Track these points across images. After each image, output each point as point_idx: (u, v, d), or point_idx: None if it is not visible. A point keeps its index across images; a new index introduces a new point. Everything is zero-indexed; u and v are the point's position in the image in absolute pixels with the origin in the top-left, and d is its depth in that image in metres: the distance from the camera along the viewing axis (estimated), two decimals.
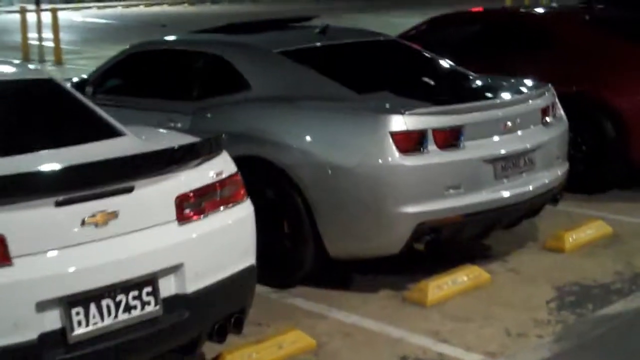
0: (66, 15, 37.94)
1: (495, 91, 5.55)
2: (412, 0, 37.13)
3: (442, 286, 5.18)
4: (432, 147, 4.94)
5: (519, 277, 5.53)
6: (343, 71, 5.67)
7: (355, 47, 6.09)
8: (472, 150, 5.08)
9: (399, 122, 4.85)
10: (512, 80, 6.00)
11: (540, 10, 8.90)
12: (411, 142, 4.89)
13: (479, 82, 5.91)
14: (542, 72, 7.46)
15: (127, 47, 6.66)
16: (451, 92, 5.54)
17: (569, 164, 5.97)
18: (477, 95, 5.39)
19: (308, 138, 5.09)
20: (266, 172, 5.21)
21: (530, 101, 5.51)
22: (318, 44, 5.97)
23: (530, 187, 5.40)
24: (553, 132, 5.70)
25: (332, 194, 5.00)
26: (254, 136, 5.31)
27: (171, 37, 6.84)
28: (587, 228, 6.25)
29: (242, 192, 3.96)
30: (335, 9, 37.17)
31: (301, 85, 5.48)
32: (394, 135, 4.84)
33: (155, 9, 43.27)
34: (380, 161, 4.84)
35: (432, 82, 5.71)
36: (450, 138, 5.01)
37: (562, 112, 6.03)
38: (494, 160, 5.19)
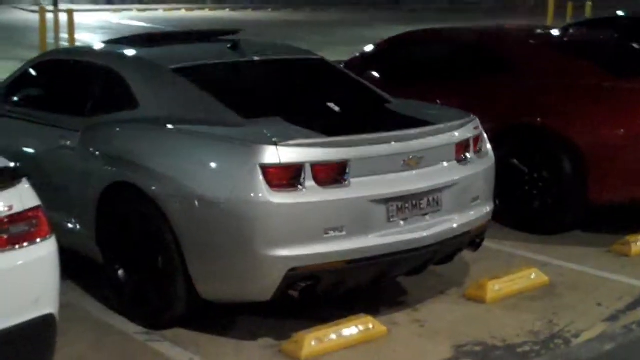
0: (104, 17, 38.14)
1: (403, 122, 4.96)
2: (458, 15, 36.51)
3: (323, 339, 4.61)
4: (309, 183, 4.39)
5: (420, 330, 4.94)
6: (238, 92, 5.17)
7: (265, 65, 5.57)
8: (359, 188, 4.51)
9: (270, 154, 4.31)
10: (432, 110, 5.43)
11: (505, 29, 8.27)
12: (285, 177, 4.35)
13: (391, 111, 5.33)
14: (498, 99, 6.94)
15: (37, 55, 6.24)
16: (353, 121, 4.98)
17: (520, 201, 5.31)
18: (381, 126, 4.81)
19: (178, 167, 4.59)
20: (138, 201, 4.72)
21: (440, 135, 4.91)
22: (224, 61, 5.46)
23: (435, 231, 4.81)
24: (471, 169, 5.10)
25: (200, 230, 4.49)
26: (128, 161, 4.85)
27: (77, 47, 6.38)
28: (518, 276, 5.62)
29: (43, 229, 3.46)
30: (377, 19, 36.73)
31: (188, 106, 4.98)
32: (265, 168, 4.30)
33: (196, 13, 43.24)
34: (248, 197, 4.31)
35: (337, 109, 5.14)
36: (332, 174, 4.46)
37: (488, 147, 5.42)
38: (388, 201, 4.62)
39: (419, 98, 7.25)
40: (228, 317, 4.97)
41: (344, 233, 4.45)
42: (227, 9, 45.89)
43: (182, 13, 42.74)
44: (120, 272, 4.98)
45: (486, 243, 6.46)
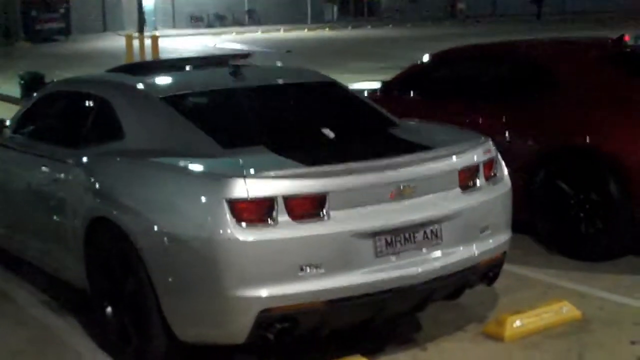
0: (204, 41, 38.74)
1: (400, 148, 4.55)
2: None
3: None
4: (283, 218, 4.05)
5: None
6: (226, 120, 4.89)
7: (263, 91, 5.25)
8: (340, 222, 4.13)
9: (238, 188, 3.99)
10: (438, 134, 5.00)
11: (553, 43, 7.69)
12: (254, 212, 4.02)
13: (392, 136, 4.91)
14: (544, 118, 6.44)
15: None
16: (344, 149, 4.59)
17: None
18: (374, 153, 4.41)
19: (149, 201, 4.35)
20: (116, 237, 4.51)
21: (440, 161, 4.48)
22: (218, 88, 5.19)
23: (433, 266, 4.38)
24: (479, 197, 4.63)
25: (170, 269, 4.22)
26: (106, 195, 4.65)
27: (77, 77, 6.25)
28: (545, 310, 5.10)
29: None
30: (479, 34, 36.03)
31: (171, 136, 4.72)
32: (233, 203, 3.99)
33: (294, 34, 43.50)
34: (214, 234, 4.00)
35: (332, 136, 4.75)
36: (308, 207, 4.10)
37: (504, 172, 4.94)
38: (374, 234, 4.22)
39: (460, 118, 6.91)
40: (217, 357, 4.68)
41: (322, 270, 4.08)
42: (327, 29, 45.94)
43: (280, 34, 43.07)
44: (108, 309, 4.77)
45: (524, 271, 6.07)
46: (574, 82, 6.44)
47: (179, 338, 4.33)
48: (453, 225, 4.48)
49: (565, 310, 5.14)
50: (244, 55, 5.91)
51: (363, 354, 4.51)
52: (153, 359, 4.50)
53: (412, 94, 7.48)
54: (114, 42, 38.72)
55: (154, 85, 5.17)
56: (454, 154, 4.55)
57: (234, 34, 43.55)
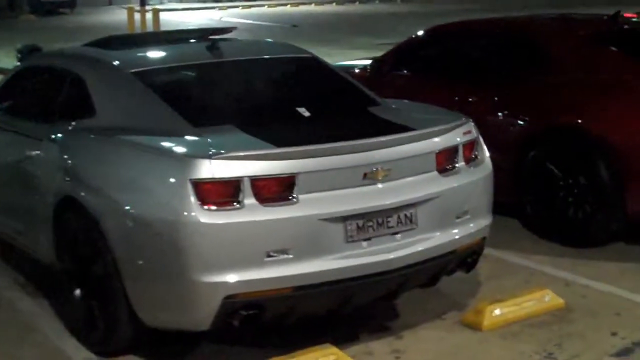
0: (210, 15, 38.44)
1: (377, 128, 4.39)
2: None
3: None
4: (249, 200, 3.90)
5: None
6: (200, 96, 4.74)
7: (240, 66, 5.09)
8: (309, 205, 3.98)
9: (203, 168, 3.85)
10: (419, 114, 4.84)
11: (543, 19, 7.46)
12: (220, 194, 3.87)
13: (371, 116, 4.75)
14: (533, 97, 6.26)
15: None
16: (318, 128, 4.44)
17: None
18: (348, 134, 4.26)
19: (114, 182, 4.22)
20: (83, 218, 4.37)
21: (416, 142, 4.32)
22: (193, 62, 5.03)
23: (407, 252, 4.23)
24: (458, 180, 4.48)
25: (134, 251, 4.09)
26: (74, 174, 4.52)
27: (51, 51, 6.08)
28: (526, 299, 4.95)
29: None
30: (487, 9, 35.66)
31: (142, 113, 4.57)
32: (197, 184, 3.84)
33: (302, 8, 43.09)
34: (177, 217, 3.86)
35: (307, 114, 4.59)
36: (276, 190, 3.95)
37: (485, 154, 4.78)
38: (345, 219, 4.07)
39: (451, 96, 6.75)
40: (185, 343, 4.55)
41: (290, 256, 3.94)
42: (334, 3, 45.53)
43: (287, 8, 42.67)
44: (76, 292, 4.64)
45: (510, 257, 5.92)
46: (564, 61, 6.26)
47: (144, 324, 4.20)
48: (429, 209, 4.32)
49: (547, 299, 4.99)
50: (227, 29, 5.73)
51: (335, 343, 4.37)
52: (119, 345, 4.38)
53: (402, 71, 7.29)
54: (119, 16, 38.33)
55: (126, 59, 5.01)
56: (431, 136, 4.38)
57: (240, 7, 43.18)
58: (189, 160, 3.87)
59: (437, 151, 4.40)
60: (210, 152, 3.88)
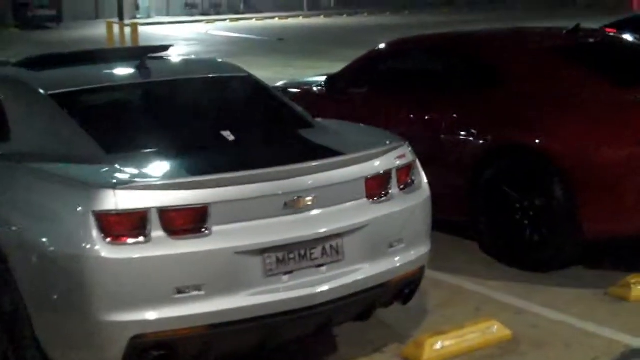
0: (197, 28, 38.24)
1: (303, 154, 4.14)
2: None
3: None
4: (157, 233, 3.64)
5: None
6: (117, 120, 4.48)
7: (167, 87, 4.82)
8: (223, 237, 3.72)
9: (107, 199, 3.59)
10: (353, 136, 4.60)
11: (498, 34, 7.23)
12: (125, 227, 3.62)
13: (301, 139, 4.48)
14: (486, 115, 6.03)
15: None
16: (240, 155, 4.18)
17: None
18: (272, 160, 4.00)
19: (19, 211, 3.95)
20: None
21: (343, 168, 4.06)
22: (119, 83, 4.79)
23: (333, 286, 3.97)
24: (390, 207, 4.22)
25: (41, 287, 3.81)
26: None
27: None
28: (471, 330, 4.69)
29: None
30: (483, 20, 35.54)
31: (55, 138, 4.31)
32: (100, 216, 3.59)
33: (290, 21, 43.02)
34: (79, 251, 3.60)
35: (232, 139, 4.32)
36: (187, 221, 3.69)
37: (422, 179, 4.53)
38: (263, 251, 3.81)
39: (405, 114, 6.50)
40: None
41: (202, 292, 3.68)
42: (322, 16, 45.41)
43: (275, 21, 42.53)
44: None
45: (463, 282, 5.67)
46: (519, 76, 6.02)
47: None
48: (358, 239, 4.06)
49: (493, 330, 4.73)
50: (164, 47, 5.47)
51: None
52: None
53: (357, 89, 7.04)
54: (104, 30, 38.34)
55: (47, 80, 4.73)
56: (360, 161, 4.13)
57: (227, 21, 43.01)
58: (92, 190, 3.62)
59: (367, 177, 4.14)
60: (115, 182, 3.63)
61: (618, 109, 5.48)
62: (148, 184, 3.64)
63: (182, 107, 4.71)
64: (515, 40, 6.67)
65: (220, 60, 5.61)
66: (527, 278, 5.67)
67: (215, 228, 3.72)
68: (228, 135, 4.34)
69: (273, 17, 44.28)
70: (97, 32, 36.55)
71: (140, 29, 36.74)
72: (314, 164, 3.96)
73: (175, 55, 5.48)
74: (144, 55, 5.24)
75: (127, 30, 22.73)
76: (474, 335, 4.65)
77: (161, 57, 5.29)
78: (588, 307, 5.16)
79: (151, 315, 3.62)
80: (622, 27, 8.36)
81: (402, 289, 4.37)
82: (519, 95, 5.92)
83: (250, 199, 3.79)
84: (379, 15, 45.58)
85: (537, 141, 5.61)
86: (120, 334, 3.62)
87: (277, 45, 28.74)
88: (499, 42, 6.63)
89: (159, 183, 3.66)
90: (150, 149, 4.11)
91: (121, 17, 23.77)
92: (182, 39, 32.14)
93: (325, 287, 3.93)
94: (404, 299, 4.46)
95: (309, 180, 3.92)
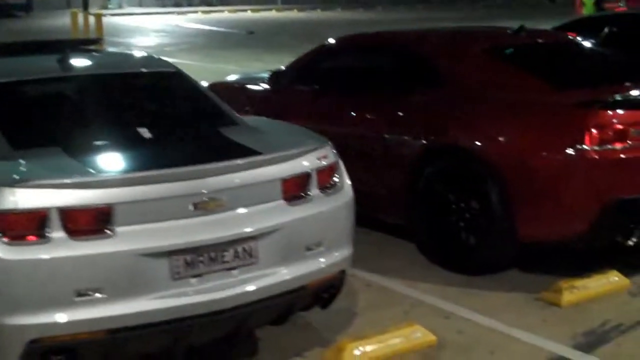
0: (169, 20, 37.98)
1: (220, 153, 4.03)
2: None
3: None
4: (58, 234, 3.52)
5: None
6: (31, 115, 4.35)
7: (89, 82, 4.70)
8: (127, 239, 3.61)
9: (6, 198, 3.46)
10: (274, 136, 4.49)
11: (436, 33, 7.13)
12: (24, 227, 3.49)
13: (221, 138, 4.37)
14: (422, 116, 5.94)
15: None
16: (153, 153, 4.06)
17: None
18: (187, 158, 3.89)
19: None
20: None
21: (258, 169, 3.95)
22: (37, 77, 4.64)
23: (245, 290, 3.86)
24: (308, 209, 4.12)
25: None
26: None
27: None
28: (394, 335, 4.59)
29: None
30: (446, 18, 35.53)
31: None
32: None
33: (263, 14, 42.83)
34: None
35: (148, 136, 4.21)
36: (90, 222, 3.57)
37: (345, 180, 4.43)
38: (170, 254, 3.69)
39: (347, 113, 6.41)
40: None
41: (104, 296, 3.56)
42: (295, 10, 45.22)
43: (247, 14, 42.32)
44: None
45: (395, 285, 5.59)
46: (459, 77, 5.93)
47: None
48: (273, 242, 3.96)
49: (417, 335, 4.64)
50: (92, 41, 5.33)
51: None
52: None
53: (300, 86, 6.94)
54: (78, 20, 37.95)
55: None
56: (276, 161, 4.02)
57: (199, 13, 42.73)
58: None
59: (284, 178, 4.03)
60: (14, 180, 3.49)
61: (555, 112, 5.40)
62: (49, 182, 3.51)
63: (101, 103, 4.58)
64: (458, 40, 6.58)
65: (149, 54, 5.45)
66: (461, 281, 5.60)
67: (119, 229, 3.60)
68: (144, 132, 4.23)
69: (246, 10, 44.08)
70: (65, 21, 36.23)
71: (111, 19, 36.57)
72: (226, 164, 3.85)
73: (105, 50, 5.33)
74: (72, 48, 5.10)
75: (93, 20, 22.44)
76: (397, 340, 4.56)
77: (89, 51, 5.14)
78: (518, 313, 5.09)
79: (50, 318, 3.50)
80: (573, 28, 8.29)
81: (321, 293, 4.27)
82: (458, 96, 5.84)
83: (157, 200, 3.67)
84: (353, 11, 45.49)
85: (472, 143, 5.54)
86: (17, 338, 3.50)
87: (247, 38, 28.58)
88: (442, 42, 6.54)
89: (60, 182, 3.53)
90: (60, 145, 3.98)
91: (85, 6, 23.43)
92: (152, 30, 31.94)
93: (236, 291, 3.83)
94: (323, 303, 4.36)
95: (221, 180, 3.80)
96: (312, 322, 4.84)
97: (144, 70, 4.99)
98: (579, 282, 5.30)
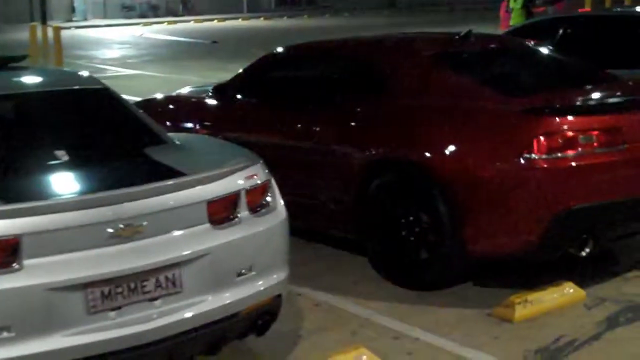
0: (132, 31, 37.57)
1: (141, 176, 3.79)
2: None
3: None
4: None
5: None
6: None
7: (6, 101, 4.43)
8: (36, 273, 3.35)
9: None
10: (201, 155, 4.26)
11: (382, 39, 6.92)
12: None
13: (146, 159, 4.12)
14: (367, 127, 5.73)
15: None
16: (71, 177, 3.81)
17: None
18: (106, 183, 3.65)
19: None
20: None
21: (178, 192, 3.71)
22: None
23: (170, 321, 3.62)
24: (237, 233, 3.88)
25: None
26: None
27: None
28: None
29: None
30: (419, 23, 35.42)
31: None
32: None
33: (228, 23, 42.46)
34: None
35: (66, 159, 3.95)
36: None
37: (277, 200, 4.19)
38: (85, 286, 3.45)
39: (293, 125, 6.18)
40: None
41: (12, 334, 3.31)
42: (261, 18, 44.97)
43: (213, 24, 41.98)
44: None
45: (344, 303, 5.37)
46: (404, 86, 5.71)
47: None
48: (199, 268, 3.72)
49: (364, 359, 4.42)
50: (18, 58, 5.06)
51: None
52: None
53: (245, 98, 6.70)
54: (37, 33, 37.38)
55: None
56: (200, 183, 3.78)
57: (165, 24, 42.31)
58: None
59: (209, 200, 3.79)
60: None
61: (502, 121, 5.20)
62: None
63: (17, 124, 4.32)
64: (402, 47, 6.36)
65: (74, 71, 5.19)
66: (412, 298, 5.39)
67: (27, 262, 3.35)
68: (62, 155, 3.97)
69: (212, 20, 43.70)
70: (25, 35, 35.78)
71: (75, 32, 36.11)
72: (144, 187, 3.61)
73: (28, 67, 5.07)
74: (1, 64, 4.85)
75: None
76: None
77: (10, 68, 4.87)
78: (470, 330, 4.89)
79: None
80: (524, 32, 8.13)
81: (255, 319, 4.04)
82: (403, 105, 5.63)
83: (69, 229, 3.42)
84: (319, 18, 45.30)
85: (418, 155, 5.33)
86: None
87: (212, 48, 28.27)
88: (386, 50, 6.32)
89: None
90: None
91: (44, 20, 23.02)
92: (116, 42, 31.51)
93: (159, 323, 3.58)
94: (258, 330, 4.12)
95: (139, 205, 3.56)
96: (253, 347, 4.61)
97: (67, 87, 4.72)
98: (533, 296, 5.11)
